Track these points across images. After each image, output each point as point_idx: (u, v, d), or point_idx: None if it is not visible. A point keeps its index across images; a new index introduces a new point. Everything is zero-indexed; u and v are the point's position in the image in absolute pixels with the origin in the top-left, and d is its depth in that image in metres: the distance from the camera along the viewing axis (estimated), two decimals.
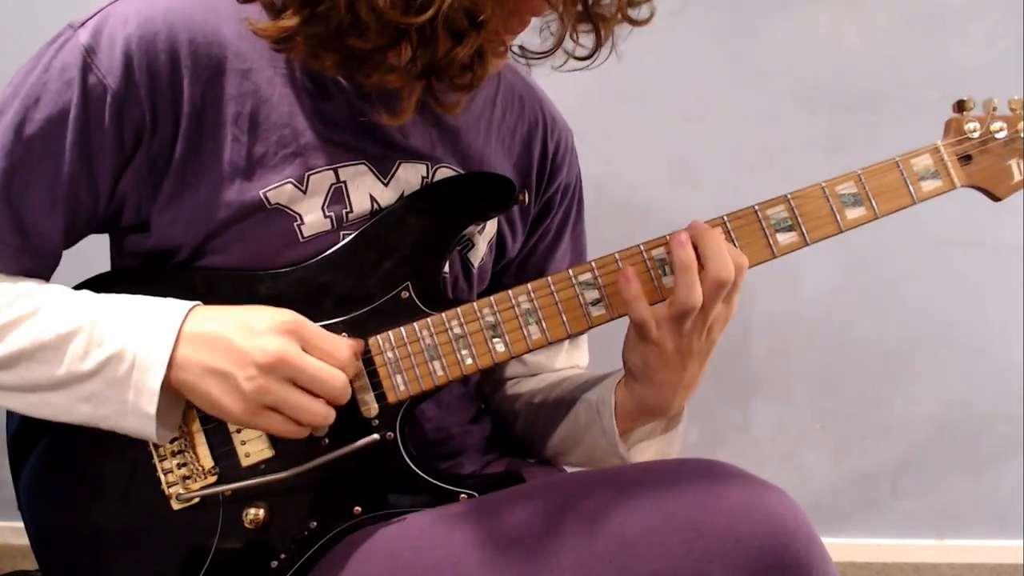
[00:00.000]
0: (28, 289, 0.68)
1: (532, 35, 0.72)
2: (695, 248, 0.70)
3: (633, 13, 0.68)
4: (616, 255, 0.74)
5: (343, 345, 0.69)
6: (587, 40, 0.68)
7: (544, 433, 0.90)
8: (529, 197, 0.91)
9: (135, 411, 0.65)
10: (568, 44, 0.68)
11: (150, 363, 0.64)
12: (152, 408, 0.65)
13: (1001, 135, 0.79)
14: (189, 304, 0.68)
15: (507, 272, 0.94)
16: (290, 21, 0.65)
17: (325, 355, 0.67)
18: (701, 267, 0.70)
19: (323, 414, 0.67)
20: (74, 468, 0.71)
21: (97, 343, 0.65)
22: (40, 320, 0.66)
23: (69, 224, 0.71)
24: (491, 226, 0.86)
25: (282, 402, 0.66)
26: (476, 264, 0.85)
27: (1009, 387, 1.67)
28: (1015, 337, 1.63)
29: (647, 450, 0.83)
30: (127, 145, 0.69)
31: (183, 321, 0.66)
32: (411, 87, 0.68)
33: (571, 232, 0.97)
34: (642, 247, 0.74)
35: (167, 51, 0.68)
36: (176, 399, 0.68)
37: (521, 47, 0.76)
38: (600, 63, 0.70)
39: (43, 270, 0.72)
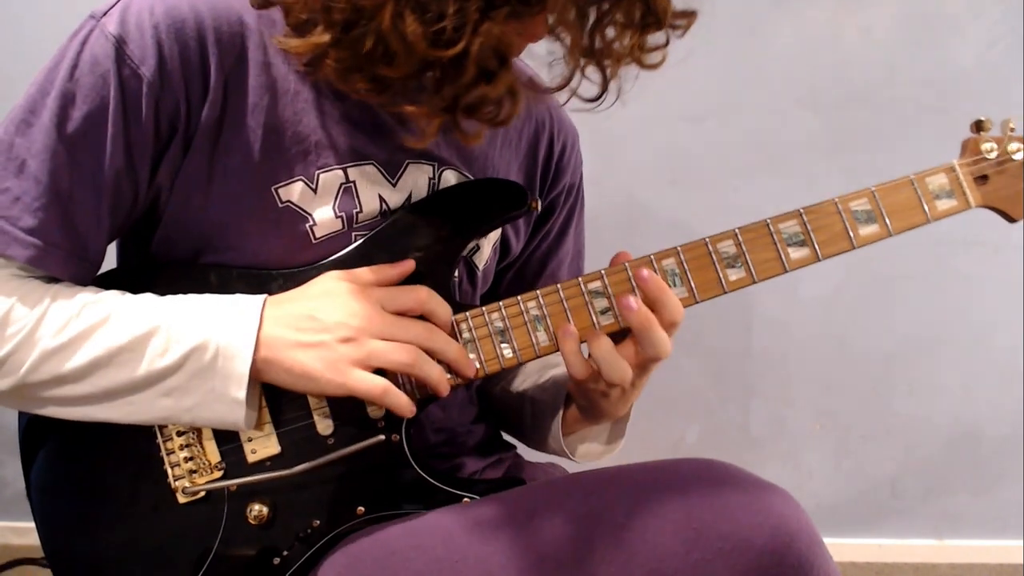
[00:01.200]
0: (90, 298, 0.67)
1: (540, 69, 0.71)
2: (643, 293, 0.72)
3: (646, 58, 0.67)
4: (627, 265, 0.74)
5: (415, 293, 0.71)
6: (595, 78, 0.68)
7: (509, 421, 0.96)
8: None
9: (222, 398, 0.66)
10: (575, 81, 0.68)
11: (235, 349, 0.65)
12: (242, 393, 0.65)
13: (1018, 156, 0.79)
14: (260, 296, 0.69)
15: (508, 271, 0.95)
16: (321, 38, 0.64)
17: (405, 308, 0.70)
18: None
19: (414, 354, 0.69)
20: (83, 462, 0.71)
21: (176, 339, 0.65)
22: (113, 326, 0.66)
23: (112, 222, 0.70)
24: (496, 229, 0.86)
25: (371, 355, 0.67)
26: (481, 267, 0.85)
27: (1009, 387, 1.67)
28: (1015, 337, 1.64)
29: (592, 451, 0.88)
30: (163, 135, 0.69)
31: (263, 307, 0.68)
32: (433, 120, 0.67)
33: (573, 230, 0.98)
34: (652, 257, 0.74)
35: (196, 38, 0.67)
36: (255, 385, 0.69)
37: (530, 79, 0.76)
38: (606, 107, 0.70)
39: (87, 274, 0.71)
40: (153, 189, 0.71)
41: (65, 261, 0.68)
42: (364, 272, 0.72)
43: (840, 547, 1.77)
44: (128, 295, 0.69)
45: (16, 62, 0.70)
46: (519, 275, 0.95)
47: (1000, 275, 1.60)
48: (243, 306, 0.68)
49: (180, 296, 0.69)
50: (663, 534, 0.61)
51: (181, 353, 0.65)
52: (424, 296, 0.71)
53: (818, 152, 1.53)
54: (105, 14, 0.67)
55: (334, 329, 0.67)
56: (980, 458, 1.73)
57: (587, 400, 0.78)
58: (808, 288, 1.62)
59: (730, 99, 1.52)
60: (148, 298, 0.69)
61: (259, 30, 0.71)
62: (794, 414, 1.71)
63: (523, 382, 0.95)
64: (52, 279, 0.69)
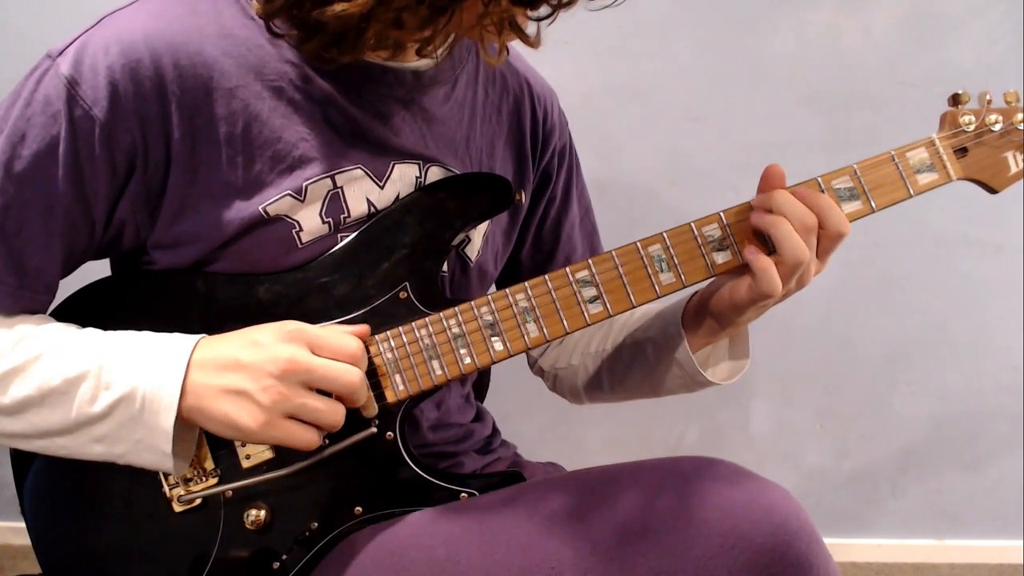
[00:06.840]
0: (30, 331, 0.67)
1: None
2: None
3: None
4: (613, 253, 0.74)
5: (349, 341, 0.68)
6: None
7: (613, 378, 0.93)
8: (527, 168, 0.91)
9: (151, 449, 0.65)
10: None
11: (161, 403, 0.64)
12: (168, 446, 0.64)
13: (997, 127, 0.79)
14: (195, 337, 0.67)
15: (523, 246, 0.95)
16: None
17: (334, 353, 0.66)
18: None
19: (343, 414, 0.67)
20: (77, 472, 0.71)
21: (105, 386, 0.64)
22: (45, 365, 0.65)
23: (66, 256, 0.70)
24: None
25: (301, 407, 0.64)
26: (473, 259, 0.85)
27: (1009, 386, 1.67)
28: (1015, 336, 1.64)
29: (719, 370, 0.85)
30: (120, 172, 0.68)
31: (191, 353, 0.65)
32: (444, 31, 0.65)
33: (576, 190, 0.98)
34: (638, 244, 0.75)
35: (152, 77, 0.67)
36: (189, 430, 0.68)
37: None
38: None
39: (40, 306, 0.71)
40: (115, 224, 0.71)
41: (12, 296, 0.68)
42: (313, 328, 0.68)
43: (840, 547, 1.77)
44: (69, 331, 0.68)
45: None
46: (536, 247, 0.96)
47: (1000, 275, 1.60)
48: (173, 353, 0.65)
49: (120, 334, 0.68)
50: (664, 531, 0.61)
51: (108, 403, 0.64)
52: (357, 352, 0.68)
53: (818, 152, 1.53)
54: (61, 53, 0.66)
55: (259, 378, 0.64)
56: (980, 458, 1.73)
57: (718, 321, 0.79)
58: (808, 288, 1.61)
59: (730, 99, 1.51)
60: (86, 336, 0.68)
61: (224, 58, 0.70)
62: (794, 414, 1.71)
63: (603, 342, 0.94)
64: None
